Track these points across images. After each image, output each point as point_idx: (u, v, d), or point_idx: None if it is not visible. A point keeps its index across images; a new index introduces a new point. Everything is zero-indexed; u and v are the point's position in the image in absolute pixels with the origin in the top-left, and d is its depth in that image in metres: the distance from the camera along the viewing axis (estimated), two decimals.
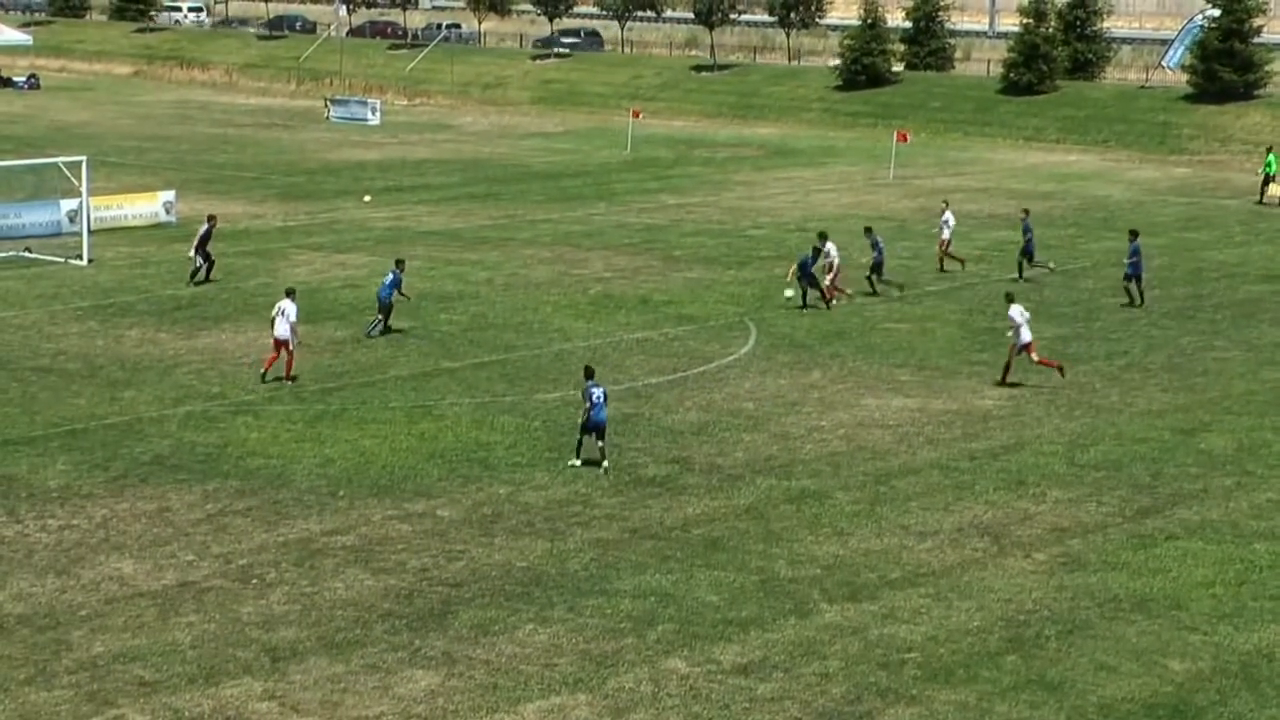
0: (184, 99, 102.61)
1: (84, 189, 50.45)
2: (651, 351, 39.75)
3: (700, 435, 32.99)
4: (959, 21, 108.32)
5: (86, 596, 24.45)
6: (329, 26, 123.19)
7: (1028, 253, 48.49)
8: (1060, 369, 37.28)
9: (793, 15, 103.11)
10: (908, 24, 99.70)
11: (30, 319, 41.81)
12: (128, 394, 35.04)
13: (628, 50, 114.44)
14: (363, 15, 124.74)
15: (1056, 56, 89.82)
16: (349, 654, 22.72)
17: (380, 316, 40.73)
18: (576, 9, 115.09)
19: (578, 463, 30.73)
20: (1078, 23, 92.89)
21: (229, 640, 23.06)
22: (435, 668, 22.37)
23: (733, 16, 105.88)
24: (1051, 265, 49.27)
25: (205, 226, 46.34)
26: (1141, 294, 45.21)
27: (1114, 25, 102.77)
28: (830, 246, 45.20)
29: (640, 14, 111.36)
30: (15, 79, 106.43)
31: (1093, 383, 37.35)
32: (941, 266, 49.71)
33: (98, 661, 22.32)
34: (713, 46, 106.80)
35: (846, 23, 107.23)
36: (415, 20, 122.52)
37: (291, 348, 35.98)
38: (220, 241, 52.82)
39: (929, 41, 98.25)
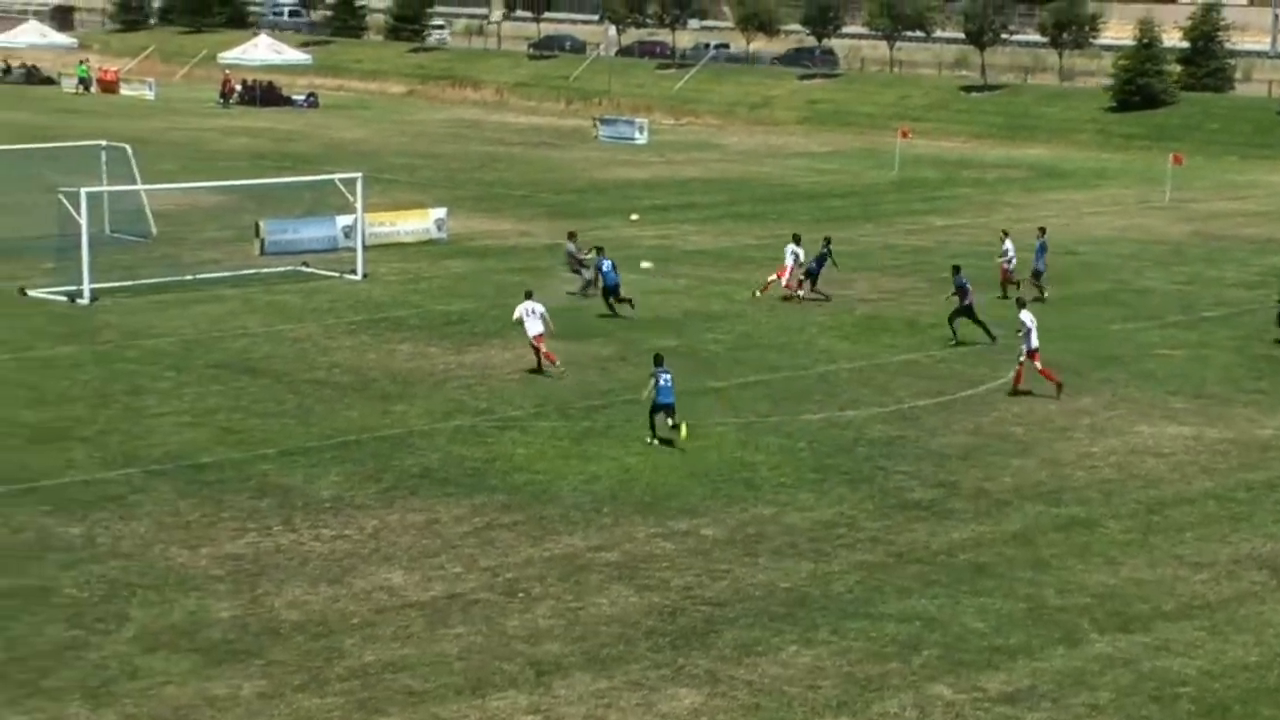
0: (456, 117, 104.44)
1: (359, 205, 51.56)
2: (918, 374, 39.40)
3: (967, 459, 32.59)
4: (1239, 41, 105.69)
5: (358, 606, 24.93)
6: (598, 46, 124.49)
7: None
8: (1059, 385, 37.01)
9: (1065, 35, 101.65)
10: (1184, 44, 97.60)
11: (306, 332, 42.84)
12: (399, 407, 35.69)
13: (897, 70, 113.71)
14: (631, 35, 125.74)
15: None
16: (613, 670, 22.82)
17: (594, 291, 44.64)
18: (846, 29, 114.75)
19: (653, 440, 32.84)
20: None
21: (495, 653, 23.32)
22: (698, 686, 22.37)
23: (1004, 36, 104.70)
24: None
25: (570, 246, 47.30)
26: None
27: None
28: (797, 249, 46.58)
29: (909, 34, 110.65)
30: (295, 97, 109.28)
31: None
32: (1004, 293, 47.12)
33: (368, 670, 22.73)
34: (983, 66, 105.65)
35: (1121, 43, 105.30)
36: (683, 40, 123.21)
37: (542, 343, 38.04)
38: (490, 259, 53.70)
39: (1207, 62, 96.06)
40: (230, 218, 59.25)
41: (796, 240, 48.35)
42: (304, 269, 51.00)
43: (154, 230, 56.01)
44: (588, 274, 46.77)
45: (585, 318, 44.60)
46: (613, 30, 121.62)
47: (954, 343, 41.97)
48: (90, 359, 39.49)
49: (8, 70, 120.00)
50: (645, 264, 56.43)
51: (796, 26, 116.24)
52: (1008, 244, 48.11)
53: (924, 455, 32.81)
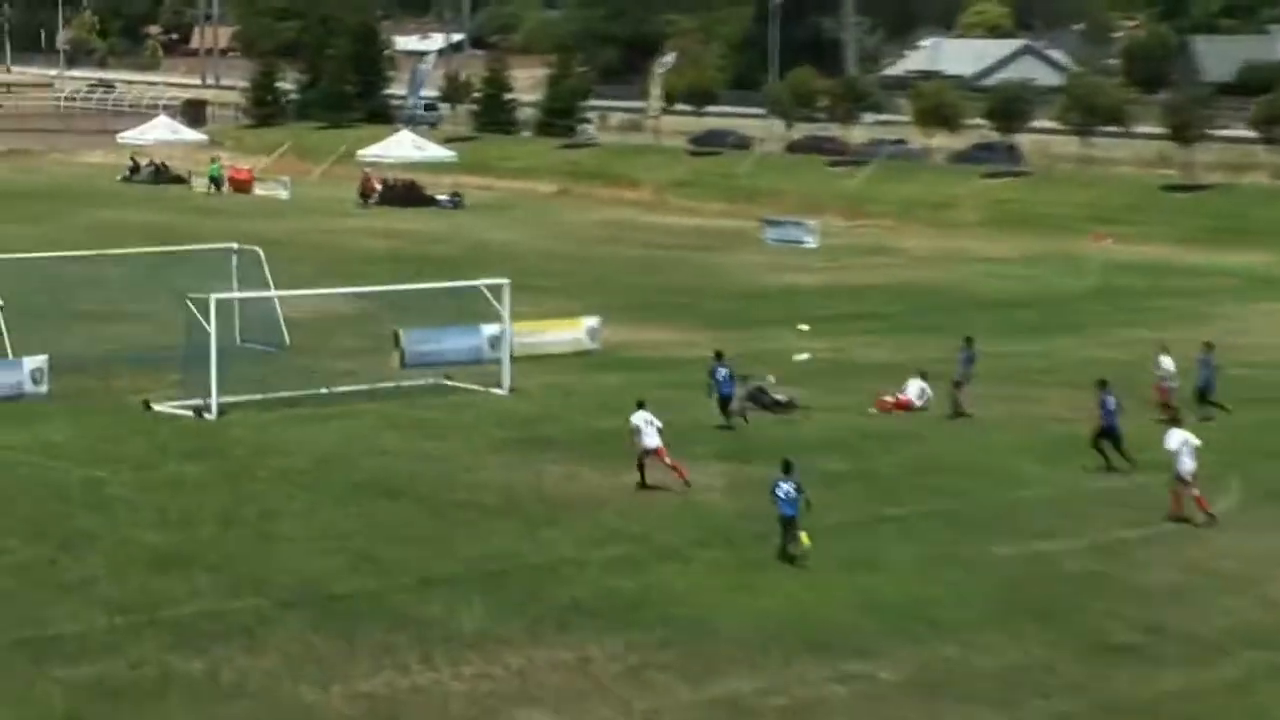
0: (609, 219, 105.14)
1: (505, 313, 51.88)
2: (1120, 501, 38.77)
3: (1176, 598, 31.97)
4: None
5: None
6: (762, 141, 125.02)
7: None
8: (1210, 516, 36.76)
9: (1276, 130, 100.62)
10: None
11: (448, 450, 43.03)
12: (547, 533, 35.67)
13: (1090, 169, 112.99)
14: (800, 129, 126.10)
15: None
16: None
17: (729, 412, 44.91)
18: (1034, 123, 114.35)
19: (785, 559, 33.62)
20: None
21: None
22: None
23: (1209, 131, 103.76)
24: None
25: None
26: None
27: None
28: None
29: (1103, 129, 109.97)
30: (439, 197, 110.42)
31: None
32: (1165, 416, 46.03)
33: None
34: (1187, 164, 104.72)
35: None
36: (857, 136, 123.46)
37: (665, 456, 38.54)
38: (647, 371, 53.72)
39: None
40: (368, 326, 59.76)
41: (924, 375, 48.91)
42: (447, 382, 51.36)
43: (287, 339, 56.70)
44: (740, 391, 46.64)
45: (748, 437, 44.43)
46: (779, 125, 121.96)
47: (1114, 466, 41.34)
48: (217, 478, 39.92)
49: (136, 169, 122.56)
50: (803, 326, 55.86)
51: (979, 121, 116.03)
52: (1165, 360, 47.29)
53: (1127, 593, 32.22)
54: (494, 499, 38.36)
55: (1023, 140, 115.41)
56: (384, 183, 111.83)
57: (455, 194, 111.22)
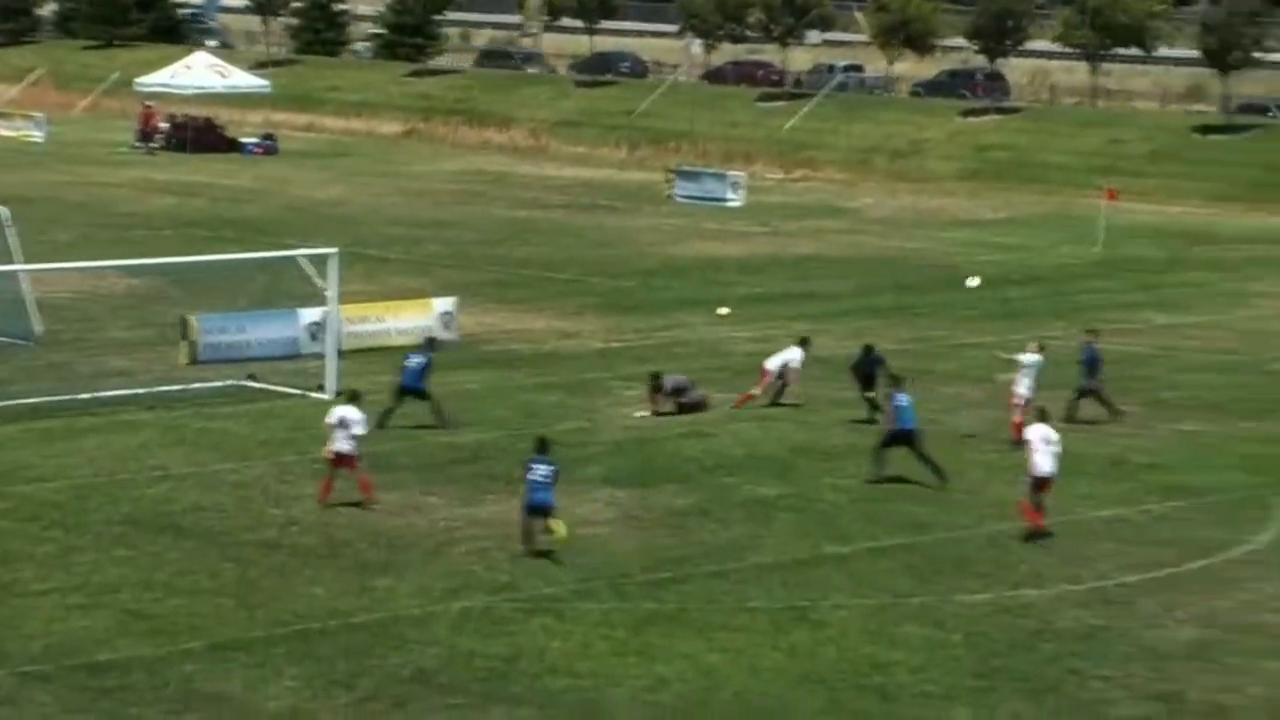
0: (472, 169, 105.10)
1: (332, 294, 51.75)
2: (1127, 537, 39.24)
3: (1197, 660, 32.37)
4: None
5: None
6: (675, 69, 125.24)
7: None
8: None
9: None
10: None
11: (253, 474, 42.98)
12: (382, 582, 35.70)
13: (1103, 104, 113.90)
14: (724, 53, 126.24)
15: None
16: None
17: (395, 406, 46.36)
18: (1027, 45, 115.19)
19: (527, 552, 36.66)
20: None
21: None
22: None
23: (1257, 55, 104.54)
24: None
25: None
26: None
27: None
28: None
29: (1120, 51, 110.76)
30: (246, 141, 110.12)
31: None
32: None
33: None
34: (1227, 97, 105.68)
35: None
36: (798, 60, 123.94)
37: (359, 465, 39.93)
38: (518, 370, 53.84)
39: None
40: (148, 311, 59.62)
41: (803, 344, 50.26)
42: (251, 384, 51.26)
43: (38, 328, 56.42)
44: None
45: (652, 453, 44.66)
46: (697, 46, 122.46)
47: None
48: None
49: None
50: (722, 309, 56.56)
51: (959, 42, 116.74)
52: (1027, 357, 47.35)
53: (1135, 654, 32.60)
54: (311, 538, 38.35)
55: (1014, 67, 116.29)
56: (171, 121, 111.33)
57: (268, 136, 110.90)
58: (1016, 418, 45.28)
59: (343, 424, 39.91)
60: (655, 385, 48.75)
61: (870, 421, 46.85)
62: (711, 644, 32.74)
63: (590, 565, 36.75)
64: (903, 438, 42.60)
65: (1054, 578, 36.52)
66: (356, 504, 39.66)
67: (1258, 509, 41.22)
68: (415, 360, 46.72)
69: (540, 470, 36.49)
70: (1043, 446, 38.88)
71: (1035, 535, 38.65)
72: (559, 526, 36.18)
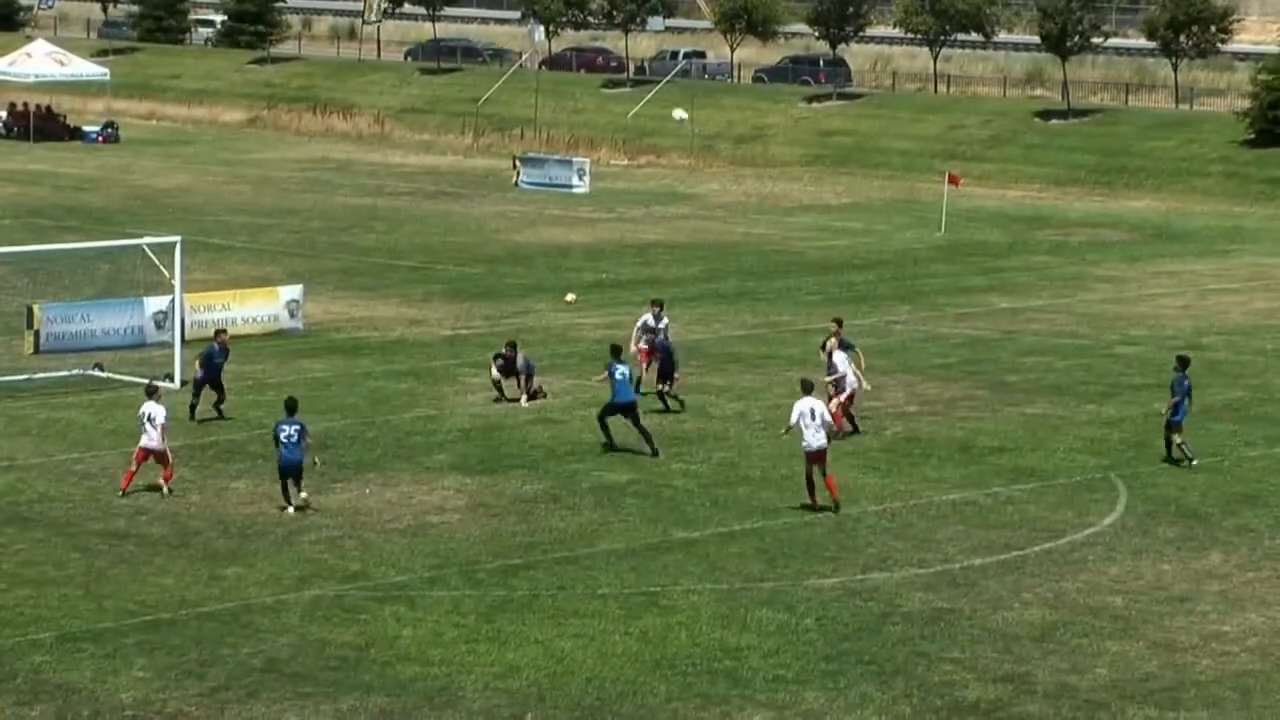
0: (315, 156, 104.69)
1: (177, 282, 51.48)
2: (974, 520, 39.47)
3: (1045, 641, 32.60)
4: None
5: None
6: (519, 56, 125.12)
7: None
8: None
9: (1182, 40, 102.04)
10: None
11: (100, 464, 42.70)
12: (231, 571, 35.55)
13: (944, 89, 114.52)
14: (566, 40, 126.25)
15: None
16: None
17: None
18: (869, 31, 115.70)
19: (287, 506, 38.71)
20: None
21: None
22: None
23: (1095, 41, 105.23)
24: None
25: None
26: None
27: None
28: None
29: (960, 37, 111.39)
30: (87, 129, 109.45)
31: None
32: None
33: None
34: (1066, 84, 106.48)
35: (1262, 49, 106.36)
36: (640, 48, 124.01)
37: (166, 450, 40.32)
38: (364, 358, 53.69)
39: None
40: None
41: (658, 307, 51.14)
42: (97, 373, 50.91)
43: None
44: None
45: (500, 441, 44.64)
46: (540, 33, 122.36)
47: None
48: None
49: None
50: (569, 297, 56.75)
51: (801, 28, 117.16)
52: (837, 356, 46.79)
53: (983, 636, 32.79)
54: (160, 528, 38.14)
55: (855, 53, 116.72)
56: (10, 109, 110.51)
57: (109, 124, 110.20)
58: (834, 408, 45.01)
59: (150, 420, 40.24)
60: (507, 362, 48.34)
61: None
62: (563, 630, 32.75)
63: (441, 553, 36.72)
64: (621, 409, 43.83)
65: (902, 561, 36.72)
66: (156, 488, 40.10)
67: (1102, 491, 41.53)
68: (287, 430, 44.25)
69: (286, 430, 38.43)
70: (806, 422, 39.34)
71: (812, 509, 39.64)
72: (303, 493, 38.64)
